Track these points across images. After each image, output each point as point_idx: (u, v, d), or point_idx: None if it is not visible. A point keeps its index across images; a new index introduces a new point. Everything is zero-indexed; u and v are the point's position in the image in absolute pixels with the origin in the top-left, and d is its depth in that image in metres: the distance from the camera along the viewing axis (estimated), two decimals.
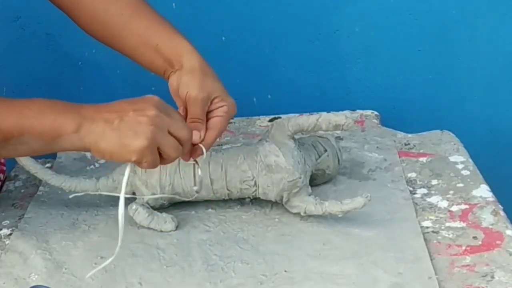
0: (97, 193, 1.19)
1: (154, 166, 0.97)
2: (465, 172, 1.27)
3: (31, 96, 1.61)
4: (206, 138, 1.06)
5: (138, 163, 0.96)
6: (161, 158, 0.97)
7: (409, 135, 1.41)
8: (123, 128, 0.94)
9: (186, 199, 1.17)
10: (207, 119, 1.07)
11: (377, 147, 1.36)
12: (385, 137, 1.40)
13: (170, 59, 1.11)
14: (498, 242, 1.08)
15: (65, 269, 1.09)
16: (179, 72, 1.10)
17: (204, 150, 1.05)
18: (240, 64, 1.62)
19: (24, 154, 1.13)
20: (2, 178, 1.33)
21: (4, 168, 1.35)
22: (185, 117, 1.06)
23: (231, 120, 1.50)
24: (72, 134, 0.94)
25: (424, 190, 1.23)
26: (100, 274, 1.07)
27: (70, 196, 1.13)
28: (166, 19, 1.16)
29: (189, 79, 1.08)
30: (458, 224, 1.13)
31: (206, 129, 1.06)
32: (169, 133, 0.96)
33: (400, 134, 1.42)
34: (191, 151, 1.04)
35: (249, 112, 1.55)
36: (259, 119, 1.52)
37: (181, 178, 1.16)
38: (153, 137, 0.94)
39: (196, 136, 1.04)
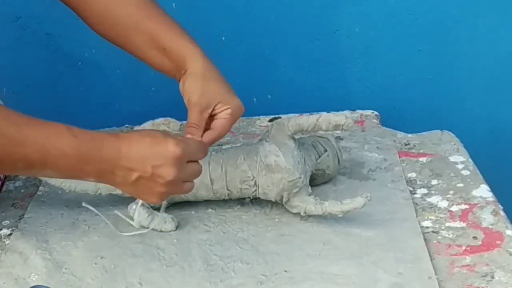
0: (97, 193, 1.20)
1: (186, 193, 1.04)
2: (465, 172, 1.27)
3: (31, 96, 1.62)
4: (203, 137, 1.07)
5: None
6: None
7: (409, 135, 1.41)
8: (140, 187, 0.98)
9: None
10: (212, 121, 1.09)
11: (377, 147, 1.36)
12: (385, 137, 1.40)
13: (177, 63, 1.11)
14: (498, 242, 1.08)
15: (65, 269, 1.09)
16: (183, 77, 1.10)
17: None
18: (240, 64, 1.62)
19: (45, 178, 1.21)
20: (2, 178, 1.33)
21: None
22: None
23: None
24: (91, 178, 0.98)
25: (424, 190, 1.23)
26: (100, 274, 1.07)
27: (84, 204, 1.13)
28: (176, 21, 1.16)
29: (190, 85, 1.09)
30: (458, 224, 1.13)
31: (206, 130, 1.08)
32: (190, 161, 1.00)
33: (400, 134, 1.42)
34: None
35: (249, 112, 1.54)
36: (259, 119, 1.52)
37: None
38: (167, 195, 1.00)
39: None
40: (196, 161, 1.01)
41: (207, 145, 1.07)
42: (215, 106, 1.08)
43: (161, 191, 0.98)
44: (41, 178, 1.24)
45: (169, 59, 1.12)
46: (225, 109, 1.09)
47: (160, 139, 0.97)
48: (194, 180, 1.15)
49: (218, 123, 1.08)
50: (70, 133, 0.95)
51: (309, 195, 1.15)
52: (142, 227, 1.14)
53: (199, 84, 1.09)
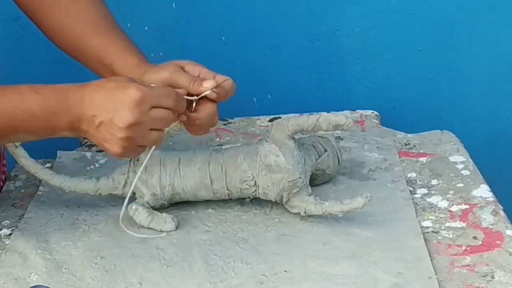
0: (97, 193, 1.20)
1: (154, 144, 1.01)
2: (465, 172, 1.27)
3: None
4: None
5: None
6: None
7: (409, 135, 1.41)
8: (102, 134, 0.97)
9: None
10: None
11: (377, 147, 1.36)
12: (385, 137, 1.40)
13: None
14: (498, 242, 1.08)
15: (65, 269, 1.08)
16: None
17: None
18: (240, 64, 1.62)
19: (21, 142, 1.17)
20: (2, 179, 1.33)
21: (5, 168, 1.35)
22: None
23: (231, 120, 1.51)
24: (65, 131, 0.98)
25: (424, 190, 1.23)
26: (100, 274, 1.07)
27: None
28: (126, 36, 1.16)
29: (148, 75, 1.08)
30: (458, 224, 1.13)
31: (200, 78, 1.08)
32: (155, 107, 0.98)
33: (400, 134, 1.42)
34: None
35: (249, 112, 1.56)
36: (259, 119, 1.52)
37: (181, 178, 1.16)
38: (130, 142, 0.97)
39: (209, 83, 1.07)
40: (164, 108, 0.98)
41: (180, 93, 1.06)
42: (184, 67, 1.09)
43: (122, 137, 0.95)
44: (41, 178, 1.24)
45: (118, 74, 1.11)
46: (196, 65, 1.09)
47: (123, 84, 0.96)
48: (194, 180, 1.15)
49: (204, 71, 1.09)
50: (33, 91, 0.95)
51: (309, 195, 1.15)
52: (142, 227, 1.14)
53: (155, 68, 1.09)
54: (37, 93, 0.95)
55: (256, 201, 1.19)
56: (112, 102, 0.95)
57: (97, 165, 1.36)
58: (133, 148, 0.99)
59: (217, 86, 1.07)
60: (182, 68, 1.09)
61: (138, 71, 1.10)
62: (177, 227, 1.16)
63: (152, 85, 1.03)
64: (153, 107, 0.98)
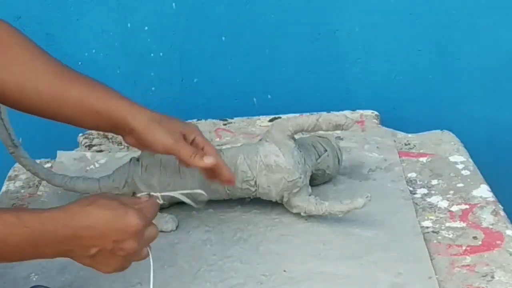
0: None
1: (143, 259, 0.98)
2: (465, 172, 1.27)
3: None
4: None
5: None
6: None
7: (409, 135, 1.41)
8: (98, 260, 0.94)
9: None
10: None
11: (377, 147, 1.36)
12: (385, 137, 1.40)
13: (116, 124, 1.08)
14: (498, 242, 1.08)
15: (65, 269, 1.08)
16: (133, 134, 1.07)
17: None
18: (240, 64, 1.62)
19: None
20: None
21: None
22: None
23: (231, 120, 1.51)
24: (51, 257, 0.94)
25: (424, 190, 1.23)
26: (100, 274, 1.06)
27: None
28: (98, 81, 1.12)
29: (152, 135, 1.06)
30: (458, 224, 1.13)
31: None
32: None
33: (400, 134, 1.42)
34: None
35: (249, 112, 1.56)
36: (259, 119, 1.52)
37: (181, 178, 1.16)
38: (126, 265, 0.96)
39: (209, 160, 1.07)
40: (153, 224, 0.96)
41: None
42: (184, 136, 1.08)
43: (120, 263, 0.94)
44: (41, 178, 1.24)
45: (105, 121, 1.08)
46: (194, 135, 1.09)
47: (120, 212, 0.93)
48: (194, 180, 1.15)
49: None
50: (20, 223, 0.90)
51: (309, 195, 1.15)
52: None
53: (159, 128, 1.07)
54: (24, 226, 0.91)
55: (256, 201, 1.19)
56: (114, 233, 0.93)
57: (97, 165, 1.36)
58: (126, 267, 0.98)
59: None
60: (184, 136, 1.08)
61: (141, 115, 1.08)
62: (177, 227, 1.16)
63: (138, 195, 1.02)
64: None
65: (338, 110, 1.48)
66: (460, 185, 1.23)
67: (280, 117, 1.46)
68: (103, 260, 0.94)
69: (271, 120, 1.49)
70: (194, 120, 1.50)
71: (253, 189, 1.16)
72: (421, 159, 1.32)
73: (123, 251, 0.93)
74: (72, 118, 1.09)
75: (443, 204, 1.18)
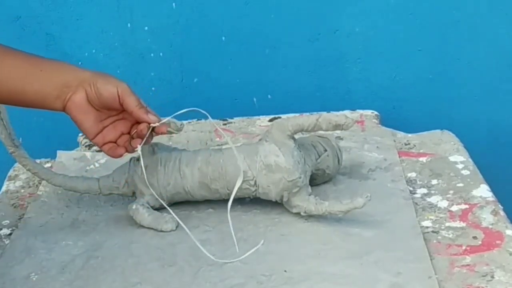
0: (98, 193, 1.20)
1: None
2: (465, 172, 1.27)
3: None
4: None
5: None
6: None
7: (409, 135, 1.41)
8: None
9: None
10: None
11: (377, 147, 1.36)
12: (385, 137, 1.40)
13: (66, 82, 1.07)
14: (498, 242, 1.08)
15: (65, 269, 1.09)
16: (84, 86, 1.07)
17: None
18: (240, 64, 1.62)
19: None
20: None
21: None
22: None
23: (231, 120, 1.51)
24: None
25: (424, 190, 1.23)
26: (100, 274, 1.07)
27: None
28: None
29: (105, 82, 1.08)
30: (458, 224, 1.13)
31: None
32: None
33: (400, 134, 1.42)
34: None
35: (249, 112, 1.56)
36: (259, 119, 1.52)
37: (181, 178, 1.16)
38: None
39: (155, 118, 1.09)
40: None
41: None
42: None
43: None
44: (41, 178, 1.24)
45: (50, 81, 1.07)
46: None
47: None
48: (194, 180, 1.15)
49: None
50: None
51: (309, 195, 1.15)
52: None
53: (109, 77, 1.09)
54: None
55: (256, 201, 1.19)
56: None
57: (97, 165, 1.36)
58: None
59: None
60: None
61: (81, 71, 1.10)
62: (177, 227, 1.16)
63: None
64: None
65: (338, 110, 1.48)
66: (460, 185, 1.23)
67: (280, 117, 1.46)
68: None
69: (271, 120, 1.49)
70: (194, 120, 1.50)
71: (253, 189, 1.16)
72: (421, 159, 1.32)
73: None
74: (18, 86, 1.06)
75: (443, 204, 1.19)
